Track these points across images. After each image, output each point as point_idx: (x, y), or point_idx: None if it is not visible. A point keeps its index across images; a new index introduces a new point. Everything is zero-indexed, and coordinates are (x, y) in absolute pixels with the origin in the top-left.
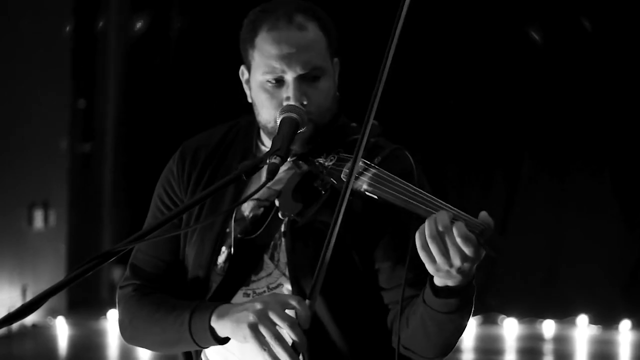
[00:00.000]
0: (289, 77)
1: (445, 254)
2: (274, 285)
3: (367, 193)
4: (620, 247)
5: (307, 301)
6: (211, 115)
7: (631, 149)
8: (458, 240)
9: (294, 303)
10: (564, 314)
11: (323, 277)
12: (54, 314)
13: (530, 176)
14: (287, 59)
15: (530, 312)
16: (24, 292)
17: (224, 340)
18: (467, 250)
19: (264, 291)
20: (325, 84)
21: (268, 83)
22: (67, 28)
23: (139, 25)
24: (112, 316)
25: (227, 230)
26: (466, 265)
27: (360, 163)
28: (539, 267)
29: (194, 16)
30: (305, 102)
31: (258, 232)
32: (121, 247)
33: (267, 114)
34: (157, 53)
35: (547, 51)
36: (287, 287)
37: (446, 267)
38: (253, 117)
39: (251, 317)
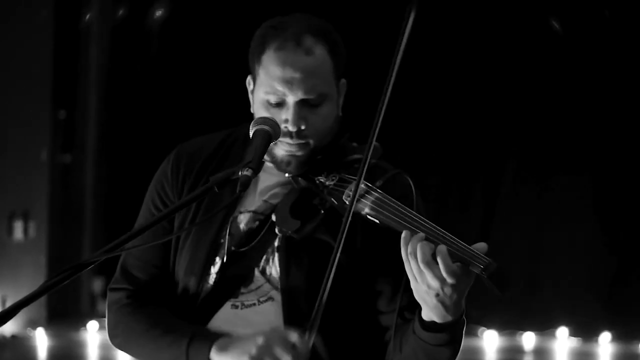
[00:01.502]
0: (290, 100)
1: (421, 274)
2: (264, 299)
3: (368, 217)
4: (600, 259)
5: (305, 336)
6: (193, 126)
7: (611, 161)
8: (441, 266)
9: (294, 339)
10: (544, 326)
11: (321, 312)
12: (33, 325)
13: (510, 188)
14: (290, 83)
15: (510, 324)
16: (3, 303)
17: None
18: (447, 277)
19: (254, 304)
20: (326, 109)
21: (269, 103)
22: (48, 38)
23: (122, 37)
24: (92, 327)
25: (222, 240)
26: (447, 291)
27: (362, 186)
28: (519, 279)
29: (177, 27)
30: (303, 127)
31: (250, 245)
32: (110, 251)
33: None
34: (138, 61)
35: (526, 61)
36: (277, 301)
37: (424, 287)
38: None
39: (254, 352)
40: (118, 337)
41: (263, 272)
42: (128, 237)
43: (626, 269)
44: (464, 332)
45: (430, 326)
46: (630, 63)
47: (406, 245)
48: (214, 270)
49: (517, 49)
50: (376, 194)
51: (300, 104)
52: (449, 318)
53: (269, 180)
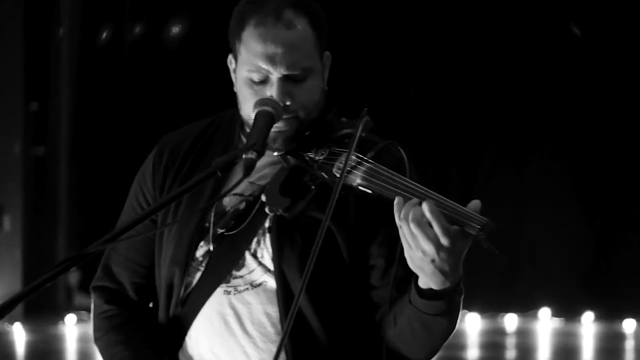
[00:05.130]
0: (274, 76)
1: (414, 238)
2: (257, 283)
3: (360, 187)
4: (579, 240)
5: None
6: (168, 116)
7: (589, 141)
8: (434, 226)
9: None
10: (526, 308)
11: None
12: (10, 320)
13: (489, 170)
14: (272, 59)
15: (492, 307)
16: None
17: None
18: (441, 238)
19: (247, 288)
20: (311, 83)
21: (252, 81)
22: (19, 29)
23: (92, 26)
24: (70, 321)
25: (207, 224)
26: (443, 255)
27: (353, 157)
28: (500, 261)
29: (149, 17)
30: (288, 103)
31: (240, 227)
32: (94, 248)
33: (250, 109)
34: (110, 54)
35: (504, 45)
36: (271, 285)
37: (418, 254)
38: (235, 110)
39: None
40: (98, 340)
41: (254, 255)
42: (124, 227)
43: (605, 248)
44: (462, 301)
45: (427, 294)
46: (603, 44)
47: (399, 211)
48: (199, 254)
49: (493, 34)
50: (368, 164)
51: (284, 80)
52: (447, 284)
53: (258, 162)
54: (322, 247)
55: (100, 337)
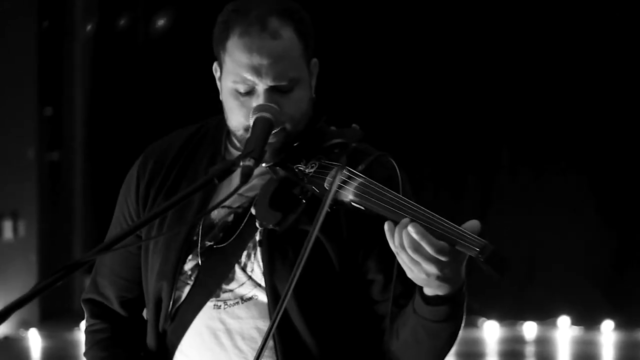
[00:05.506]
0: (260, 88)
1: (415, 263)
2: (247, 297)
3: (353, 204)
4: (599, 247)
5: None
6: (181, 120)
7: (607, 146)
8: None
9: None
10: (545, 316)
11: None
12: (26, 325)
13: (506, 176)
14: (258, 70)
15: (510, 314)
16: None
17: None
18: (439, 256)
19: (237, 302)
20: (298, 93)
21: (238, 92)
22: (32, 33)
23: (106, 30)
24: None
25: (195, 237)
26: (446, 270)
27: (344, 171)
28: (519, 268)
29: (163, 19)
30: None
31: (229, 241)
32: (85, 260)
33: (237, 121)
34: (125, 57)
35: (520, 49)
36: (261, 299)
37: (422, 276)
38: (222, 118)
39: None
40: (85, 356)
41: (244, 268)
42: (112, 241)
43: (625, 256)
44: (465, 308)
45: (433, 300)
46: (621, 51)
47: (392, 237)
48: (188, 267)
49: (509, 40)
50: (359, 179)
51: (271, 91)
52: (452, 289)
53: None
54: (312, 260)
55: (86, 352)
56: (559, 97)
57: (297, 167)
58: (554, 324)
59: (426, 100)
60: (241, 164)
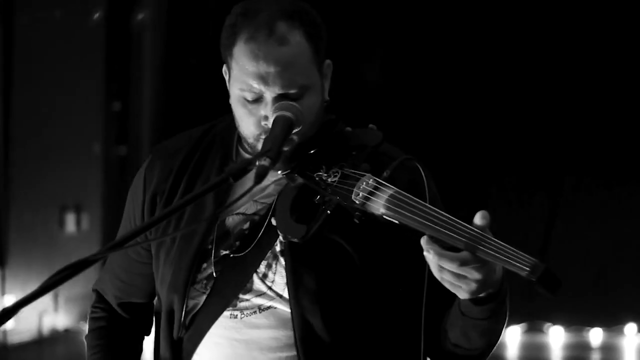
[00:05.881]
0: (268, 96)
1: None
2: (265, 307)
3: (385, 217)
4: None
5: None
6: None
7: None
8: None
9: None
10: (612, 322)
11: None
12: (85, 318)
13: (577, 181)
14: (265, 79)
15: (577, 320)
16: (55, 297)
17: None
18: (475, 276)
19: (254, 312)
20: (309, 100)
21: (245, 100)
22: (101, 27)
23: (175, 25)
24: None
25: (209, 246)
26: (489, 279)
27: (371, 181)
28: (586, 273)
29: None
30: None
31: (247, 250)
32: (92, 258)
33: (247, 129)
34: (193, 52)
35: (583, 60)
36: (280, 309)
37: (473, 287)
38: (232, 120)
39: None
40: (85, 339)
41: (264, 278)
42: (120, 241)
43: None
44: (508, 299)
45: (481, 299)
46: None
47: (432, 260)
48: (202, 277)
49: (576, 52)
50: (389, 191)
51: (279, 99)
52: (494, 288)
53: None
54: (338, 270)
55: (86, 336)
56: (626, 104)
57: (317, 175)
58: (620, 331)
59: (494, 115)
60: (257, 163)
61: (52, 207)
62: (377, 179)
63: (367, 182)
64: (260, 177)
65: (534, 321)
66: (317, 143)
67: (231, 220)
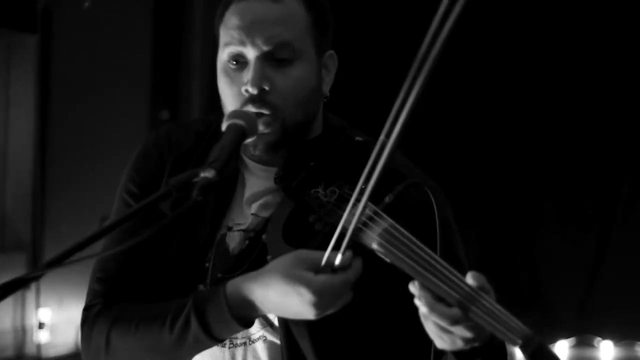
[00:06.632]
0: (251, 55)
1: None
2: (255, 337)
3: (377, 253)
4: None
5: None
6: None
7: None
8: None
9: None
10: None
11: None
12: None
13: (628, 204)
14: (249, 30)
15: (628, 335)
16: None
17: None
18: (464, 334)
19: (244, 342)
20: (298, 70)
21: (229, 64)
22: (147, 36)
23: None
24: None
25: (207, 265)
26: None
27: (368, 212)
28: (637, 287)
29: None
30: (266, 88)
31: (239, 272)
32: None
33: (229, 104)
34: None
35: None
36: (270, 340)
37: (460, 344)
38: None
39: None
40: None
41: None
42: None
43: None
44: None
45: (463, 353)
46: None
47: (421, 309)
48: None
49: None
50: (384, 224)
51: (263, 60)
52: (483, 342)
53: (257, 185)
54: None
55: (109, 324)
56: None
57: (314, 191)
58: None
59: (539, 134)
60: (200, 175)
61: (91, 218)
62: (374, 207)
63: (364, 209)
64: (202, 191)
65: (584, 335)
66: (319, 154)
67: (232, 236)
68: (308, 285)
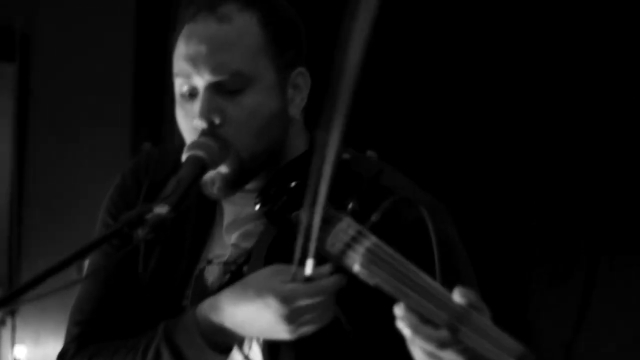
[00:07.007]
0: (200, 84)
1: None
2: None
3: (360, 276)
4: None
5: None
6: None
7: None
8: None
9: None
10: None
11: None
12: None
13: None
14: (194, 61)
15: None
16: None
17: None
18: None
19: None
20: (251, 98)
21: (181, 95)
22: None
23: None
24: None
25: (185, 302)
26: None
27: (351, 231)
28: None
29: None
30: (216, 121)
31: None
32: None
33: (186, 137)
34: None
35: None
36: None
37: None
38: None
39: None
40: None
41: (239, 345)
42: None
43: None
44: None
45: None
46: None
47: (405, 332)
48: None
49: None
50: (367, 243)
51: (212, 90)
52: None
53: (236, 212)
54: (323, 339)
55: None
56: None
57: (295, 214)
58: None
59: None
60: (153, 211)
61: (70, 252)
62: (359, 229)
63: (345, 229)
64: (154, 228)
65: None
66: (300, 174)
67: (211, 270)
68: (275, 293)
